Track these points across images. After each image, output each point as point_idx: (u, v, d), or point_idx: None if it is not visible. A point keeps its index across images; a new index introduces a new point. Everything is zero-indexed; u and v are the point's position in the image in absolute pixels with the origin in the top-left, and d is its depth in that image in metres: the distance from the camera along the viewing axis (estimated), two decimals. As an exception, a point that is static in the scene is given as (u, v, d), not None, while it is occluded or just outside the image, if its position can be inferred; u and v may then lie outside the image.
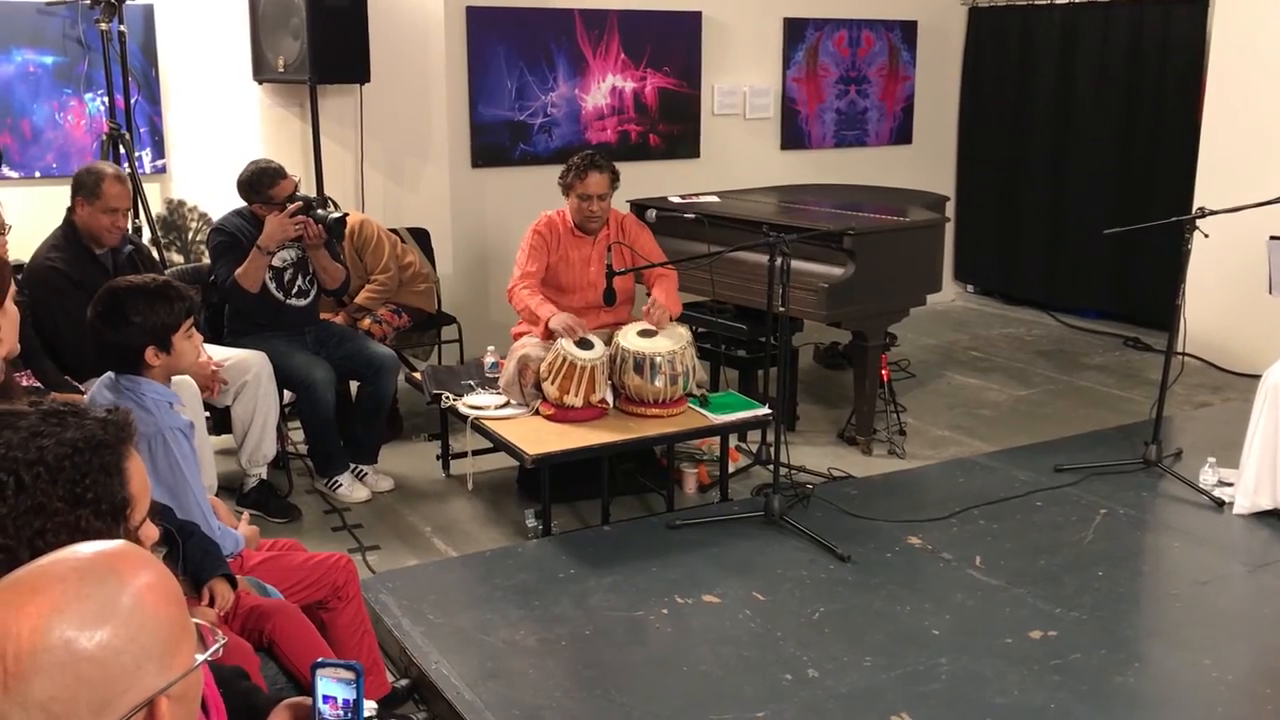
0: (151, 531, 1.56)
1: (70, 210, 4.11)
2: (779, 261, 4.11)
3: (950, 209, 7.17)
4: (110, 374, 2.82)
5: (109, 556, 1.15)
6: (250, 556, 2.81)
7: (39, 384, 3.73)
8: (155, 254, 4.77)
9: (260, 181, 4.43)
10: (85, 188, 4.05)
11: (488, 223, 6.38)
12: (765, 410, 4.45)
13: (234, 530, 2.79)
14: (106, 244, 4.11)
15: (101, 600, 1.09)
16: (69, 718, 1.05)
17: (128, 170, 5.12)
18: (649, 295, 4.60)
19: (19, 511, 1.41)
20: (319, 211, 4.46)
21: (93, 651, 1.06)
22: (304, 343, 4.60)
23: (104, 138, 5.19)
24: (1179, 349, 4.75)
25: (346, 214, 4.68)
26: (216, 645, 1.25)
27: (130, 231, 4.43)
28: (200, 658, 1.18)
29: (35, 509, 1.41)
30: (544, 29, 6.41)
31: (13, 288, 2.54)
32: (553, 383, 4.23)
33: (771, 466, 4.24)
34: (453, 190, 6.23)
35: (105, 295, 2.79)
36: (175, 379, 2.94)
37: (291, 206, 4.38)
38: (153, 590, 1.13)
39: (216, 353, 4.24)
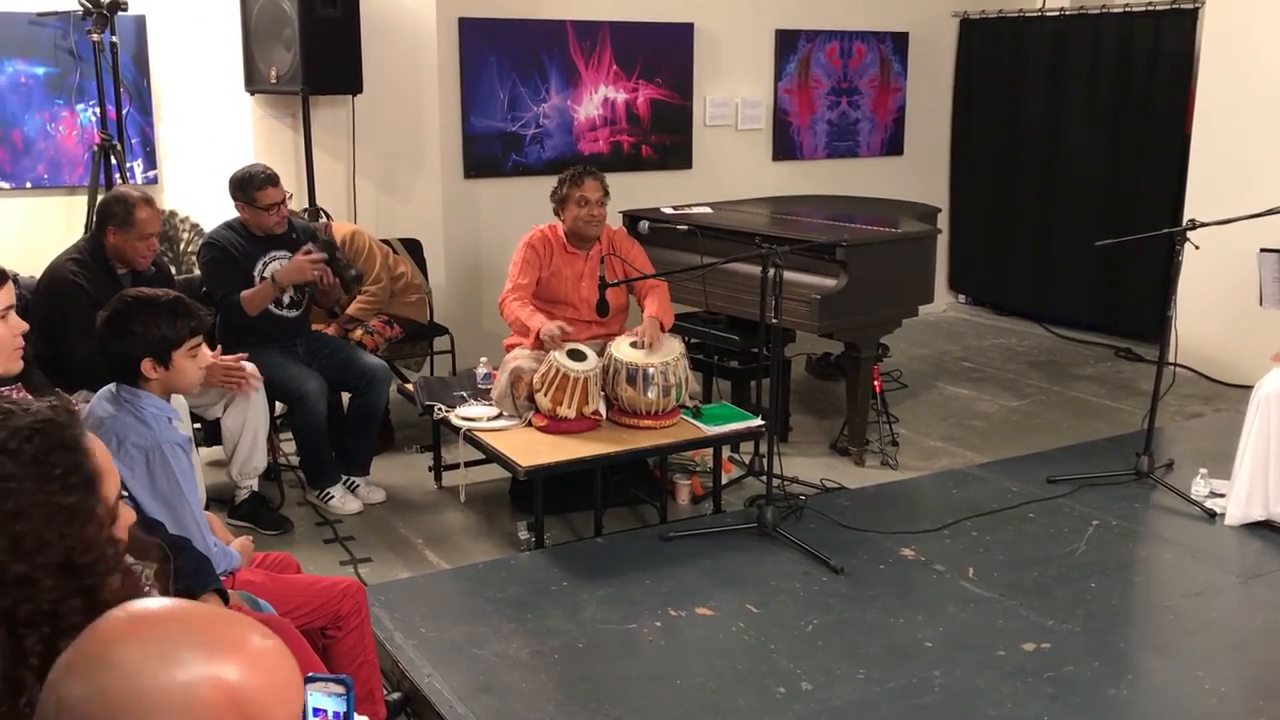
0: (128, 512, 1.58)
1: (98, 233, 4.11)
2: (771, 273, 4.11)
3: (943, 219, 7.18)
4: (112, 386, 2.80)
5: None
6: (245, 573, 2.78)
7: (28, 396, 3.71)
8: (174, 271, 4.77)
9: (249, 183, 4.44)
10: (116, 217, 4.04)
11: (480, 233, 6.38)
12: (758, 421, 4.45)
13: (228, 548, 2.77)
14: (140, 268, 4.13)
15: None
16: None
17: (119, 181, 5.12)
18: (641, 309, 4.59)
19: None
20: (340, 263, 4.48)
21: None
22: (296, 354, 4.59)
23: (95, 149, 5.18)
24: (1170, 360, 4.76)
25: (361, 273, 4.70)
26: None
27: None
28: None
29: (5, 493, 1.42)
30: (536, 40, 6.42)
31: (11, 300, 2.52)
32: (545, 394, 4.22)
33: (764, 478, 4.24)
34: (445, 201, 6.23)
35: (117, 302, 2.78)
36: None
37: (316, 255, 4.38)
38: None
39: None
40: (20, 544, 1.42)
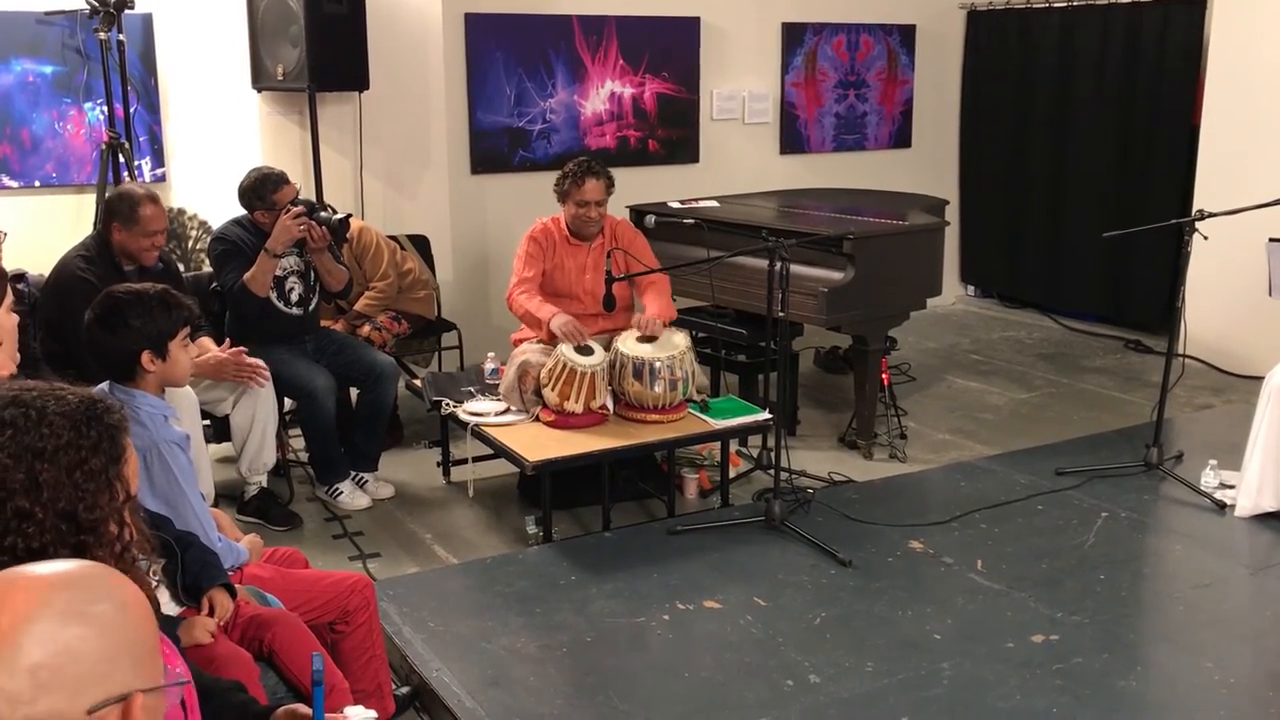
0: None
1: (105, 229, 4.14)
2: (778, 266, 4.11)
3: (952, 212, 7.16)
4: (104, 386, 2.80)
5: (102, 568, 1.23)
6: (253, 568, 2.79)
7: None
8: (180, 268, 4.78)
9: (264, 187, 4.45)
10: (120, 214, 4.09)
11: (487, 229, 6.38)
12: (766, 415, 4.45)
13: (235, 544, 2.77)
14: (144, 264, 4.15)
15: (95, 590, 1.16)
16: (53, 688, 1.08)
17: (127, 179, 5.14)
18: (641, 303, 4.59)
19: (24, 433, 1.54)
20: (321, 214, 4.48)
21: (81, 631, 1.11)
22: (304, 350, 4.60)
23: (103, 147, 5.20)
24: (1180, 351, 4.74)
25: (350, 215, 4.68)
26: (181, 680, 1.41)
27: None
28: (175, 682, 1.29)
29: (41, 434, 1.54)
30: (542, 35, 6.42)
31: (9, 298, 2.52)
32: (553, 389, 4.23)
33: (772, 471, 4.24)
34: (452, 197, 6.24)
35: (104, 300, 2.79)
36: (173, 391, 2.93)
37: (295, 209, 4.40)
38: (138, 602, 1.20)
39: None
40: (36, 480, 1.53)
